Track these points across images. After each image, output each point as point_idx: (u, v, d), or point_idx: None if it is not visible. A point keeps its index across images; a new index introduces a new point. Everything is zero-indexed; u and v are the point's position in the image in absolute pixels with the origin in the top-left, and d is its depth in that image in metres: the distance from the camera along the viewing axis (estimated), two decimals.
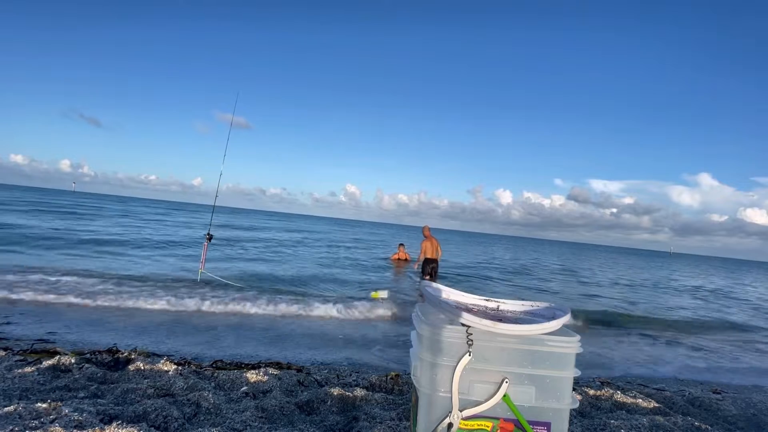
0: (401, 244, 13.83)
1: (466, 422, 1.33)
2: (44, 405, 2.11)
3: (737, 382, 4.59)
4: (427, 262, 9.49)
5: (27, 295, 5.51)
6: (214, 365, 3.31)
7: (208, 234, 7.39)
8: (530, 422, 1.34)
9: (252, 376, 2.99)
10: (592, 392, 3.25)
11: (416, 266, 10.13)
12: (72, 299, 5.59)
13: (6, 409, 2.04)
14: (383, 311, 6.48)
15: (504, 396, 1.32)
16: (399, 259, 13.16)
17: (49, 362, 2.88)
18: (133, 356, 3.22)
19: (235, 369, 3.20)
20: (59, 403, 2.15)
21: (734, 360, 5.79)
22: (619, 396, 3.18)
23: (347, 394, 2.74)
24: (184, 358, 3.46)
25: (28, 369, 2.74)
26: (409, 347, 1.62)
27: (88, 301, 5.56)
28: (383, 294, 7.50)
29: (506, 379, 1.32)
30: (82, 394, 2.45)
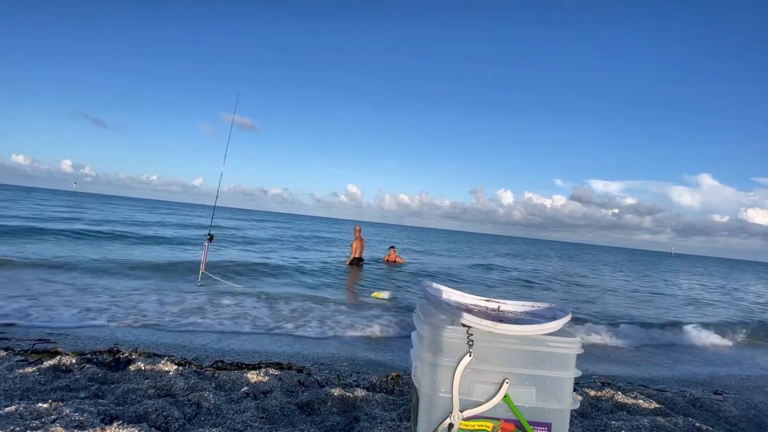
0: (392, 247, 14.13)
1: (466, 423, 1.33)
2: (45, 405, 2.11)
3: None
4: (356, 259, 11.80)
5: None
6: (214, 365, 3.31)
7: (209, 234, 7.40)
8: (531, 423, 1.34)
9: (252, 376, 3.00)
10: (593, 393, 3.24)
11: (348, 263, 11.86)
12: (67, 297, 5.60)
13: (7, 409, 2.05)
14: (383, 311, 6.48)
15: (505, 396, 1.32)
16: (388, 260, 13.45)
17: (50, 362, 2.89)
18: (134, 356, 3.22)
19: (235, 369, 3.21)
20: (60, 404, 2.15)
21: None
22: (620, 397, 3.17)
23: (348, 394, 2.74)
24: (185, 359, 3.45)
25: (29, 369, 2.74)
26: (410, 347, 1.62)
27: (84, 299, 5.57)
28: (384, 294, 7.46)
29: (507, 380, 1.32)
30: (83, 395, 2.46)
